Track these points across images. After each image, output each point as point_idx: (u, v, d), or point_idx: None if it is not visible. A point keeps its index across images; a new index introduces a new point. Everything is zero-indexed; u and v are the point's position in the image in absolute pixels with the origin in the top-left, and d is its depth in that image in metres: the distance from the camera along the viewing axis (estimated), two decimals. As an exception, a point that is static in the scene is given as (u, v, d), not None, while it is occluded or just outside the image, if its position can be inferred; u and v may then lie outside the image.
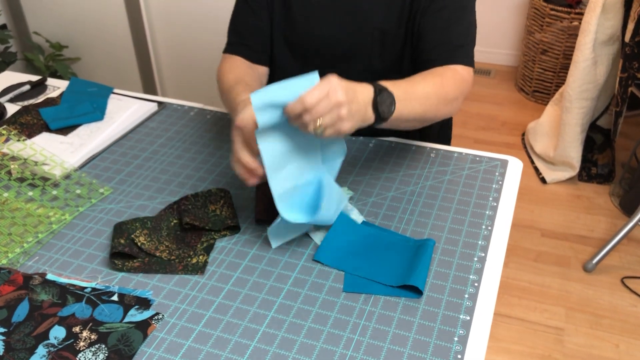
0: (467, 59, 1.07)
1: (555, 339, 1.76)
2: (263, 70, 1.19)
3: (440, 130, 1.33)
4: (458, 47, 1.07)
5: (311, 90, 0.79)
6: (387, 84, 0.90)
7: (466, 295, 0.81)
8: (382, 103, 0.87)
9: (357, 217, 0.95)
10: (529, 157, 2.58)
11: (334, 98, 0.79)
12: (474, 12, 1.10)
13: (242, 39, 1.17)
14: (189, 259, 0.87)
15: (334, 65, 1.15)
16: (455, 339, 0.75)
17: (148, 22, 2.38)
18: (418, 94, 0.95)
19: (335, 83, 0.80)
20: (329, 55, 1.15)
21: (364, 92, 0.86)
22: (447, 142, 1.36)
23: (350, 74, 1.12)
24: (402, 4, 1.09)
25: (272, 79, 1.24)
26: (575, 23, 2.70)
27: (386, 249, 0.88)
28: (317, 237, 0.91)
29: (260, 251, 0.89)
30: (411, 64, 1.15)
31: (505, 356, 1.71)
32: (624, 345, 1.74)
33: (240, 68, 1.13)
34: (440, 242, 0.90)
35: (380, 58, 1.14)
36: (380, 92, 0.87)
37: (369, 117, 0.87)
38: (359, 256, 0.87)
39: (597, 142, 2.50)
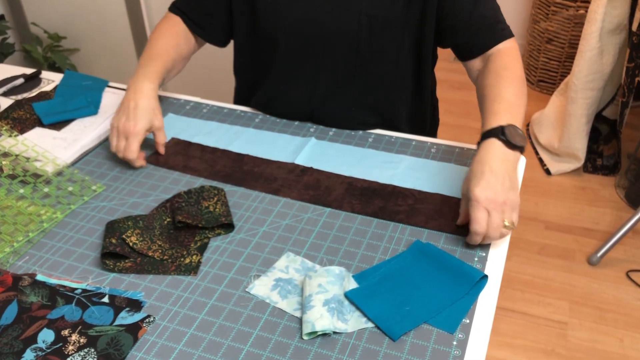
0: (507, 31, 1.08)
1: (559, 333, 1.74)
2: (198, 42, 1.22)
3: (432, 121, 1.31)
4: (496, 23, 1.07)
5: (474, 222, 0.83)
6: (491, 119, 0.92)
7: (466, 297, 0.79)
8: (514, 136, 0.88)
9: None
10: (534, 148, 2.55)
11: (488, 198, 0.83)
12: None
13: (188, 9, 1.18)
14: (182, 259, 0.85)
15: (314, 51, 1.10)
16: (456, 337, 0.73)
17: (147, 12, 2.35)
18: (512, 99, 0.96)
19: (477, 196, 0.83)
20: (311, 39, 1.10)
21: (487, 152, 0.87)
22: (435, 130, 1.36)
23: (334, 59, 1.11)
24: None
25: (256, 71, 1.21)
26: (582, 11, 2.65)
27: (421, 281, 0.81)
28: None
29: (255, 251, 0.87)
30: (435, 47, 1.13)
31: (508, 351, 1.69)
32: (628, 339, 1.71)
33: (178, 37, 1.17)
34: (440, 241, 0.88)
35: (368, 44, 1.08)
36: (502, 133, 0.88)
37: (515, 156, 0.88)
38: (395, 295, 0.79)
39: (603, 133, 2.46)
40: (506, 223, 0.83)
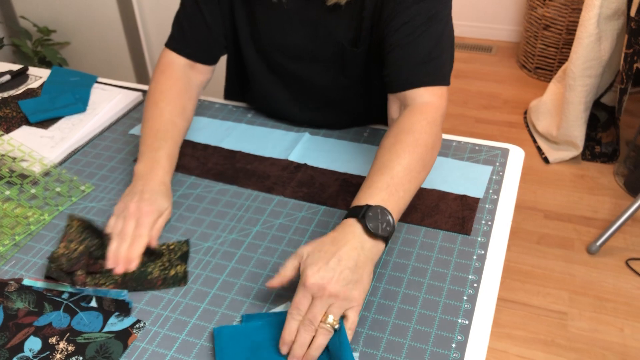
0: (433, 77, 0.90)
1: (559, 323, 1.73)
2: (204, 69, 1.07)
3: None
4: (422, 65, 0.90)
5: (292, 306, 0.69)
6: (363, 193, 0.79)
7: (465, 298, 0.77)
8: (375, 224, 0.74)
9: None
10: (532, 136, 2.53)
11: (317, 283, 0.69)
12: (448, 22, 0.92)
13: (185, 36, 1.06)
14: (167, 272, 0.82)
15: (299, 74, 1.06)
16: (455, 339, 0.71)
17: (138, 3, 2.31)
18: (400, 173, 0.81)
19: (306, 273, 0.70)
20: (294, 63, 1.05)
21: (343, 234, 0.74)
22: None
23: (316, 84, 1.07)
24: (361, 18, 0.95)
25: (244, 77, 1.17)
26: (579, -3, 2.62)
27: None
28: None
29: (247, 252, 0.85)
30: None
31: (508, 342, 1.68)
32: (628, 329, 1.70)
33: (178, 84, 1.01)
34: (437, 239, 0.86)
35: (344, 73, 1.03)
36: (364, 216, 0.74)
37: (375, 246, 0.74)
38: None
39: (601, 120, 2.44)
40: (329, 319, 0.68)
